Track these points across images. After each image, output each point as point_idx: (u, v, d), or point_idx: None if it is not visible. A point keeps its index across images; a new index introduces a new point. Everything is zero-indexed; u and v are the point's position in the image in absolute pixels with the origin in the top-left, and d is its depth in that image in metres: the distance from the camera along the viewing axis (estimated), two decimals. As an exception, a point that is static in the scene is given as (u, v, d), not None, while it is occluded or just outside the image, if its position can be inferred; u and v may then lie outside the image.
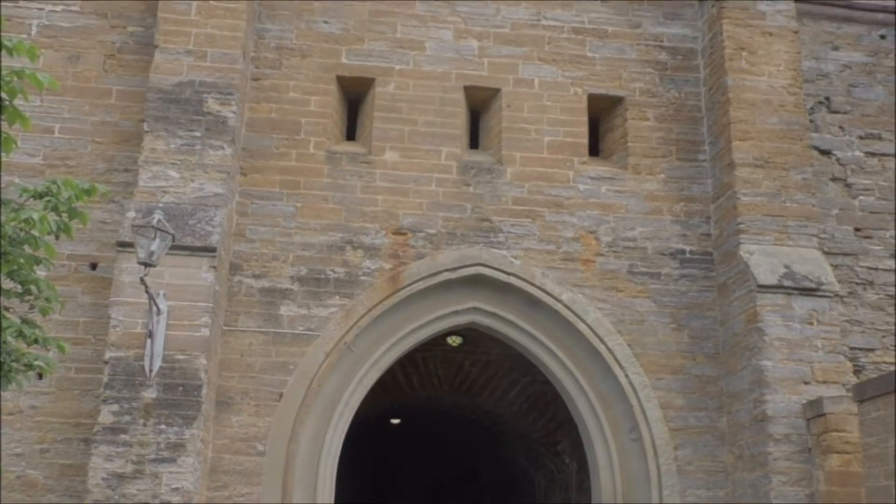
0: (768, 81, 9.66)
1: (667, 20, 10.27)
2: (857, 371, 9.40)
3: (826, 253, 9.49)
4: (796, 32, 9.96)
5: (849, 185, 10.18)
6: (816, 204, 9.51)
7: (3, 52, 5.12)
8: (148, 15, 9.40)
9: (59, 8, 9.45)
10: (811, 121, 10.18)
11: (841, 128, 10.40)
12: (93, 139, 9.12)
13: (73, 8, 9.47)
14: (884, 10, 10.88)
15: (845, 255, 9.90)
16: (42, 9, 9.43)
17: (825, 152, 10.26)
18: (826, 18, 10.75)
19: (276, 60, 9.54)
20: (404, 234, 9.24)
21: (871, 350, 9.64)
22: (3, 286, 5.58)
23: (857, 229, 10.06)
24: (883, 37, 10.84)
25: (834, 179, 10.17)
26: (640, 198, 9.67)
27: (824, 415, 8.17)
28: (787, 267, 8.92)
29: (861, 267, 9.90)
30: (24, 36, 9.04)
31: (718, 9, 9.88)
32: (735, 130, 9.43)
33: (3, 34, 5.54)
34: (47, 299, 5.79)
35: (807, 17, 10.55)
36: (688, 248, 9.60)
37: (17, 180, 8.24)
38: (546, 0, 10.12)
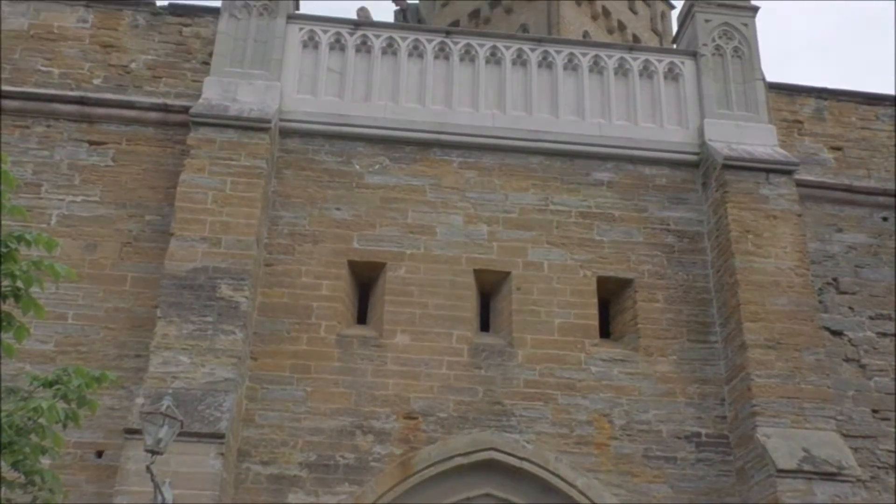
0: (775, 263, 9.74)
1: (672, 204, 10.46)
2: (886, 560, 9.05)
3: (845, 435, 9.28)
4: (800, 215, 10.13)
5: (863, 366, 10.11)
6: (831, 385, 9.40)
7: (23, 244, 5.24)
8: (165, 204, 9.66)
9: (79, 198, 9.73)
10: (820, 301, 10.21)
11: (851, 308, 10.41)
12: (105, 325, 9.19)
13: (92, 198, 9.75)
14: (884, 192, 11.12)
15: (864, 437, 9.71)
16: (62, 199, 9.70)
17: (837, 333, 10.24)
18: (828, 201, 10.98)
19: (288, 246, 9.70)
20: (415, 418, 9.12)
21: (899, 538, 9.31)
22: (8, 477, 5.50)
23: (874, 411, 9.91)
24: (885, 219, 11.04)
25: (847, 360, 10.11)
26: (652, 380, 9.58)
27: None
28: (805, 450, 8.72)
29: (882, 450, 9.69)
30: (44, 225, 9.28)
31: (722, 193, 10.09)
32: (745, 312, 9.44)
33: (24, 225, 5.67)
34: (51, 490, 5.69)
35: (809, 200, 10.76)
36: (703, 431, 9.42)
37: (27, 367, 8.27)
38: (553, 186, 10.37)
